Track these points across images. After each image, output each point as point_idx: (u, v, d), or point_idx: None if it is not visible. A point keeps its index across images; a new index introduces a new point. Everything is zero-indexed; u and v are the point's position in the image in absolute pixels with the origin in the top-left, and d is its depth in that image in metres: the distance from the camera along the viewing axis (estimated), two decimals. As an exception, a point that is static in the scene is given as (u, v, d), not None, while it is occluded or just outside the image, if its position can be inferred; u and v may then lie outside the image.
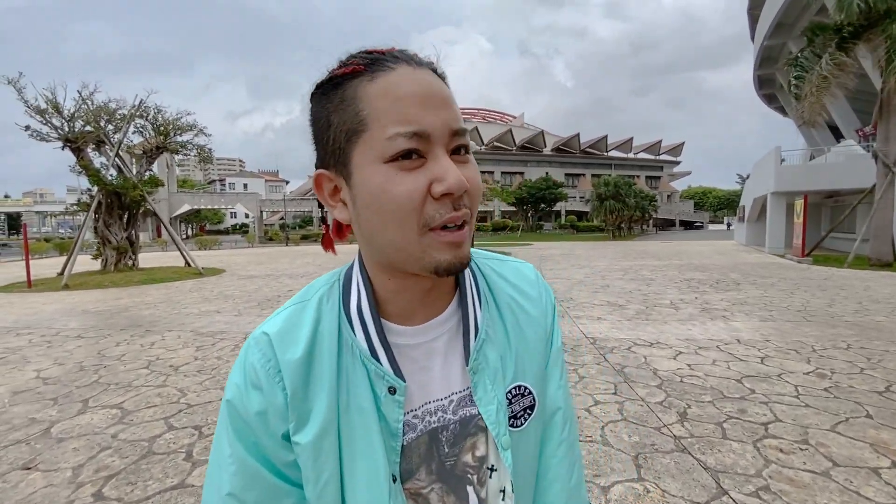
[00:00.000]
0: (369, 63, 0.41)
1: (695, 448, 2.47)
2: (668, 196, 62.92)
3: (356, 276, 0.50)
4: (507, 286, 0.55)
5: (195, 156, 14.65)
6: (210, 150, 14.47)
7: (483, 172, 43.38)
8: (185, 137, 14.09)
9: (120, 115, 12.76)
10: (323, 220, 0.52)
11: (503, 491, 0.50)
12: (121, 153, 12.82)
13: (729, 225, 34.04)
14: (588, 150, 59.96)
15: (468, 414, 0.49)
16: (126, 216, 12.83)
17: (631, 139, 62.34)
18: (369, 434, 0.45)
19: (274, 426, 0.45)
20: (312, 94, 0.46)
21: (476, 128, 54.98)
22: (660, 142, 63.63)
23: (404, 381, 0.45)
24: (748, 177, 23.98)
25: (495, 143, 55.75)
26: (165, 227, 14.13)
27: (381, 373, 0.45)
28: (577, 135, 58.59)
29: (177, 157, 17.76)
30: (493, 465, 0.50)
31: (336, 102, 0.42)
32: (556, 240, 32.03)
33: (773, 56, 28.45)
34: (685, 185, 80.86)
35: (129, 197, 12.22)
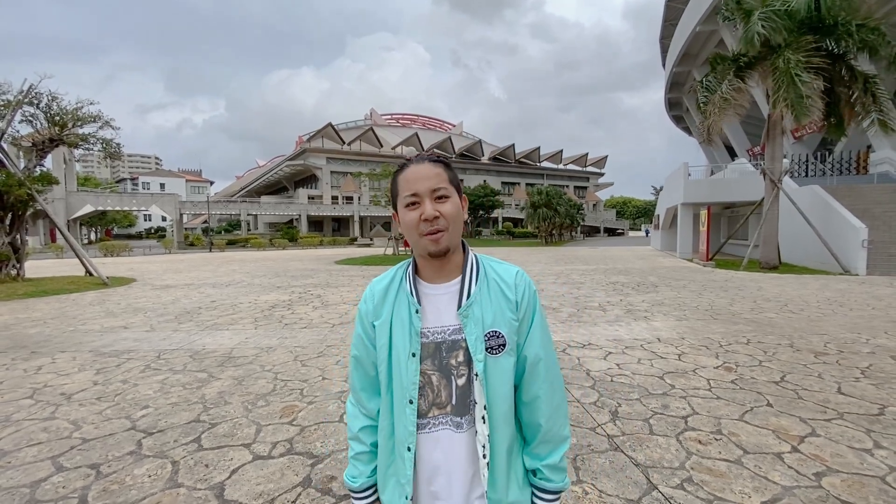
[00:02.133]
0: (402, 166, 0.93)
1: (626, 446, 2.58)
2: (594, 205, 67.43)
3: (412, 259, 1.00)
4: (495, 275, 0.97)
5: (100, 151, 13.03)
6: (118, 144, 12.95)
7: (422, 178, 43.34)
8: (87, 130, 12.50)
9: (3, 100, 11.01)
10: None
11: (479, 392, 0.91)
12: (3, 145, 11.04)
13: (647, 232, 37.20)
14: (522, 160, 62.55)
15: (456, 338, 0.93)
16: (9, 218, 11.05)
17: (561, 151, 66.08)
18: (405, 330, 0.93)
19: (370, 318, 0.98)
20: (391, 178, 0.99)
21: (416, 134, 55.06)
22: (586, 155, 68.13)
23: (420, 306, 0.93)
24: (661, 189, 26.41)
25: (435, 150, 56.20)
26: (60, 230, 12.37)
27: (412, 302, 0.93)
28: (513, 145, 60.95)
29: (77, 152, 15.66)
30: (477, 373, 0.91)
31: (393, 182, 0.95)
32: (493, 245, 32.91)
33: (680, 82, 31.75)
34: (608, 196, 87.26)
35: (13, 196, 10.55)
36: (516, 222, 53.32)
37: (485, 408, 0.91)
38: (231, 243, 36.51)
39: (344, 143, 51.42)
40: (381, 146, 53.71)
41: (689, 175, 18.79)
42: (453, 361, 0.93)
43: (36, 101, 11.54)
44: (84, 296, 9.12)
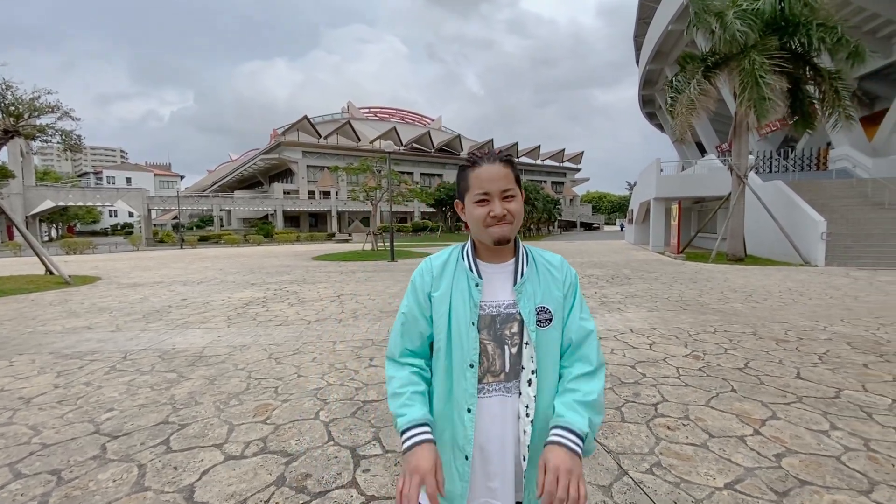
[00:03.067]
0: (473, 162, 1.03)
1: (599, 433, 2.65)
2: (571, 200, 68.54)
3: (469, 241, 1.11)
4: (543, 261, 1.11)
5: (59, 143, 12.37)
6: (79, 136, 12.30)
7: (402, 173, 43.17)
8: (45, 120, 11.83)
9: (-51, 88, 10.30)
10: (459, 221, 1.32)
11: (532, 357, 1.03)
12: (-50, 136, 10.36)
13: (622, 226, 38.08)
14: (500, 154, 62.83)
15: (511, 311, 1.04)
16: (-41, 214, 10.40)
17: (538, 147, 66.75)
18: (465, 301, 1.04)
19: (426, 289, 1.09)
20: (459, 169, 1.08)
21: (395, 128, 54.53)
22: (563, 150, 69.05)
23: (482, 280, 1.05)
24: (635, 184, 27.05)
25: (414, 145, 55.88)
26: (17, 227, 11.72)
27: (472, 276, 1.05)
28: (491, 140, 61.12)
29: (34, 145, 14.84)
30: (527, 342, 1.03)
31: (462, 176, 1.05)
32: (471, 240, 33.00)
33: (653, 79, 32.49)
34: (584, 191, 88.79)
35: (-36, 190, 9.91)
36: (495, 217, 53.53)
37: (533, 372, 1.02)
38: (203, 239, 35.44)
39: (320, 136, 50.48)
40: (359, 140, 52.98)
41: (662, 171, 19.30)
42: (507, 332, 1.04)
43: (-13, 90, 10.84)
44: (44, 295, 8.69)
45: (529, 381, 1.02)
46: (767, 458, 2.33)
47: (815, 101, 12.31)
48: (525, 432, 1.01)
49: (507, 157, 1.02)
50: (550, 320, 1.04)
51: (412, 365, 1.08)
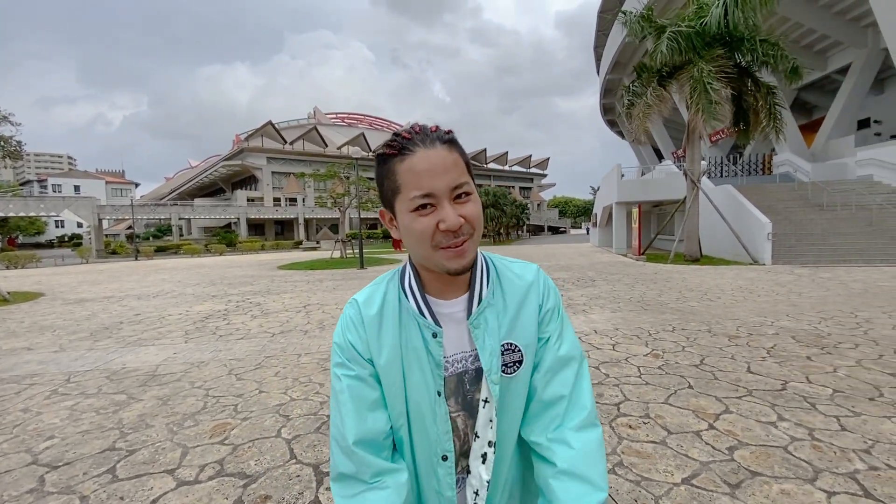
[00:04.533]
0: (400, 148, 0.66)
1: (564, 436, 2.68)
2: (538, 205, 70.00)
3: (408, 268, 0.77)
4: (511, 275, 0.79)
5: (-5, 150, 11.52)
6: (19, 143, 11.52)
7: (370, 179, 42.83)
8: (-21, 126, 11.00)
9: None
10: (386, 233, 1.11)
11: (491, 420, 0.73)
12: None
13: (588, 230, 39.23)
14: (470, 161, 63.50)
15: (480, 365, 0.73)
16: None
17: (506, 153, 67.91)
18: (422, 364, 0.72)
19: (362, 351, 0.73)
20: (376, 161, 0.70)
21: (363, 134, 54.05)
22: (530, 157, 70.58)
23: (441, 328, 0.72)
24: (599, 189, 27.97)
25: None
26: (-54, 241, 10.76)
27: (426, 324, 0.72)
28: (459, 146, 61.69)
29: (-34, 151, 13.79)
30: (486, 398, 0.73)
31: (385, 172, 0.68)
32: (441, 246, 33.07)
33: (613, 88, 33.76)
34: (551, 196, 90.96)
35: None
36: (464, 222, 53.93)
37: (490, 444, 0.72)
38: (161, 250, 33.79)
39: (286, 142, 49.38)
40: (326, 146, 52.19)
41: (623, 176, 20.05)
42: (479, 395, 0.74)
43: None
44: (-23, 315, 7.99)
45: (483, 457, 0.73)
46: (721, 452, 2.43)
47: (754, 113, 13.15)
48: None
49: (450, 136, 0.68)
50: (521, 362, 0.74)
51: (376, 482, 0.70)
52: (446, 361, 0.73)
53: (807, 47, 21.14)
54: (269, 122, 47.74)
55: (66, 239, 60.29)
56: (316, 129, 51.91)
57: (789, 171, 20.84)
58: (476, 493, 0.73)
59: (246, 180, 53.34)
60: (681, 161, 22.46)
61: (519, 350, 0.74)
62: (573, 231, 68.17)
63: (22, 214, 35.87)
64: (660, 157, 32.94)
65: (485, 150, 64.40)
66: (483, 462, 0.73)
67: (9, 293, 10.12)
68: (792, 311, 6.20)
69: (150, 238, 51.96)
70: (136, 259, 29.00)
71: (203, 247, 33.79)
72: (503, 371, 0.72)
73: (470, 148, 63.80)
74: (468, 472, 0.75)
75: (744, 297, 7.49)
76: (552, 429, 0.73)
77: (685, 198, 14.44)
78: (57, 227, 63.05)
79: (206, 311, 7.67)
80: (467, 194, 0.67)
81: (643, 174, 22.75)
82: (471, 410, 0.75)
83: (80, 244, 44.14)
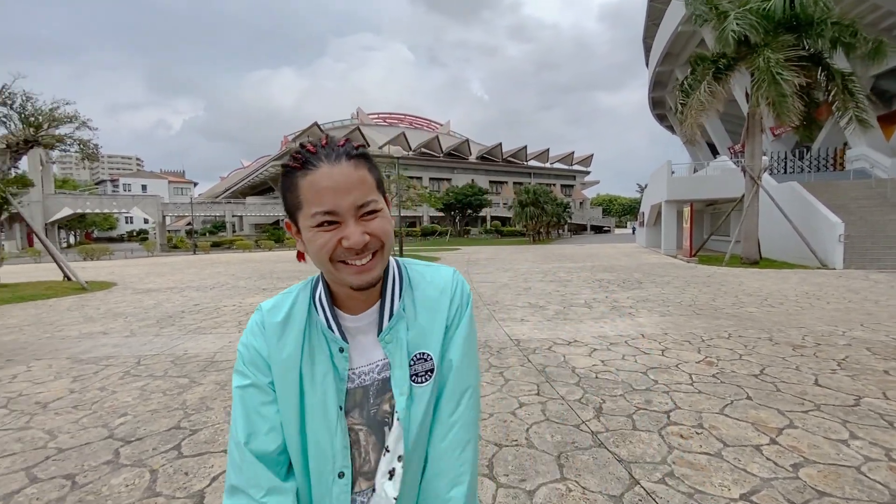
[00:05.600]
0: (303, 162, 0.64)
1: (610, 442, 2.61)
2: (581, 203, 68.10)
3: (321, 280, 0.75)
4: (423, 282, 0.77)
5: (77, 152, 12.69)
6: (96, 145, 12.61)
7: (411, 178, 43.37)
8: (64, 130, 12.15)
9: (-28, 101, 10.64)
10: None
11: (400, 436, 0.70)
12: (-26, 147, 10.69)
13: (634, 229, 37.71)
14: (510, 158, 62.81)
15: (387, 376, 0.71)
16: (-19, 222, 10.71)
17: (547, 150, 66.55)
18: (326, 377, 0.70)
19: (267, 354, 0.71)
20: (281, 172, 0.67)
21: (403, 133, 54.87)
22: (572, 153, 68.74)
23: (348, 343, 0.71)
24: (646, 186, 26.80)
25: (423, 150, 56.10)
26: (37, 234, 12.03)
27: (334, 338, 0.71)
28: (500, 144, 61.16)
29: (54, 154, 15.26)
30: (398, 411, 0.70)
31: (287, 185, 0.66)
32: (482, 244, 33.00)
33: (663, 81, 32.21)
34: (594, 194, 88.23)
35: (-14, 199, 10.22)
36: (504, 221, 53.51)
37: (399, 458, 0.69)
38: (216, 245, 35.95)
39: (330, 142, 50.95)
40: (368, 145, 52.95)
41: (673, 172, 19.09)
42: (386, 407, 0.71)
43: (9, 102, 11.17)
44: (62, 301, 8.89)
45: (391, 473, 0.69)
46: (784, 469, 2.27)
47: (826, 104, 12.08)
48: None
49: (357, 151, 0.66)
50: (432, 371, 0.71)
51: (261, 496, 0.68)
52: (353, 373, 0.71)
53: (885, 31, 19.15)
54: (315, 123, 49.48)
55: (135, 234, 65.61)
56: (359, 129, 53.28)
57: (865, 166, 18.99)
58: None
59: (293, 179, 55.58)
60: (738, 156, 21.07)
61: (431, 359, 0.72)
62: (618, 230, 65.78)
63: (97, 211, 39.43)
64: (714, 152, 31.05)
65: (525, 147, 63.44)
66: (390, 478, 0.69)
67: (87, 282, 11.17)
68: (867, 320, 5.66)
69: (207, 234, 55.44)
70: (195, 253, 31.06)
71: (253, 242, 35.65)
72: (415, 380, 0.70)
73: (509, 145, 63.20)
74: (373, 490, 0.70)
75: (810, 303, 6.92)
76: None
77: (743, 196, 13.54)
78: (127, 222, 68.68)
79: (258, 303, 8.09)
80: (375, 211, 0.65)
81: (695, 171, 21.54)
82: (373, 425, 0.71)
83: (146, 239, 47.90)
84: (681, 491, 2.10)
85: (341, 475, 0.68)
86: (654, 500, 2.04)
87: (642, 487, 2.14)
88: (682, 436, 2.66)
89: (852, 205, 14.20)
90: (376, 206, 0.66)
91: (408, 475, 0.69)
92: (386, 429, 0.71)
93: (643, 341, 4.88)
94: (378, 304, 0.73)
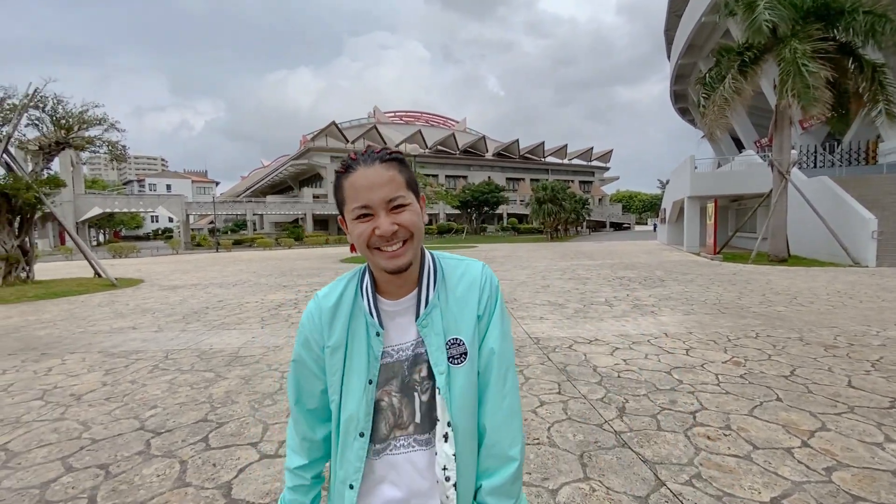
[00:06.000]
0: (347, 167, 0.79)
1: (634, 442, 2.57)
2: (600, 200, 67.06)
3: (367, 269, 0.89)
4: (455, 275, 0.89)
5: (105, 153, 13.13)
6: (124, 147, 13.03)
7: (427, 175, 43.43)
8: (93, 132, 12.59)
9: (9, 105, 11.11)
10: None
11: (445, 407, 0.82)
12: (10, 149, 11.17)
13: (655, 226, 36.93)
14: (527, 155, 62.27)
15: (419, 352, 0.85)
16: (18, 221, 11.19)
17: (565, 146, 65.69)
18: (362, 355, 0.84)
19: (319, 338, 0.87)
20: (334, 178, 0.83)
21: (420, 131, 54.97)
22: (591, 149, 67.69)
23: (383, 329, 0.84)
24: (668, 182, 26.19)
25: (439, 147, 56.13)
26: (69, 233, 12.51)
27: (373, 323, 0.84)
28: (517, 141, 60.67)
29: (83, 155, 15.82)
30: (439, 387, 0.83)
31: (336, 186, 0.81)
32: (499, 241, 32.84)
33: (686, 74, 31.39)
34: (614, 190, 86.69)
35: (21, 199, 10.66)
36: (521, 218, 53.13)
37: (448, 425, 0.82)
38: (237, 243, 36.74)
39: (348, 141, 51.50)
40: (385, 143, 53.59)
41: (696, 168, 18.60)
42: (416, 377, 0.85)
43: (41, 105, 11.64)
44: (93, 297, 9.23)
45: (445, 436, 0.82)
46: (817, 472, 2.19)
47: (855, 96, 11.57)
48: (448, 497, 0.82)
49: (390, 156, 0.79)
50: (466, 354, 0.84)
51: (308, 446, 0.92)
52: (391, 349, 0.85)
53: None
54: (333, 123, 50.04)
55: (160, 232, 67.61)
56: (376, 127, 53.62)
57: (901, 160, 18.13)
58: (445, 469, 0.82)
59: (312, 178, 56.42)
60: (765, 150, 20.40)
61: (463, 344, 0.84)
62: (638, 227, 64.55)
63: (125, 210, 40.78)
64: (739, 146, 30.12)
65: (542, 143, 62.79)
66: (445, 441, 0.83)
67: (116, 279, 11.57)
68: (904, 320, 5.42)
69: (228, 232, 56.71)
70: (217, 251, 31.80)
71: (274, 240, 36.31)
72: (451, 362, 0.83)
73: (526, 141, 62.63)
74: (408, 437, 0.86)
75: (842, 302, 6.67)
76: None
77: (770, 191, 13.10)
78: (152, 221, 70.85)
79: (279, 299, 8.25)
80: (403, 205, 0.78)
81: (719, 166, 20.93)
82: (407, 392, 0.85)
83: (171, 237, 49.32)
84: (709, 493, 2.06)
85: (361, 435, 0.84)
86: (680, 502, 2.00)
87: (668, 489, 2.10)
88: (709, 437, 2.59)
89: (886, 199, 13.59)
90: (404, 200, 0.78)
91: (460, 437, 0.83)
92: (416, 394, 0.85)
93: (666, 340, 4.78)
94: (415, 291, 0.86)
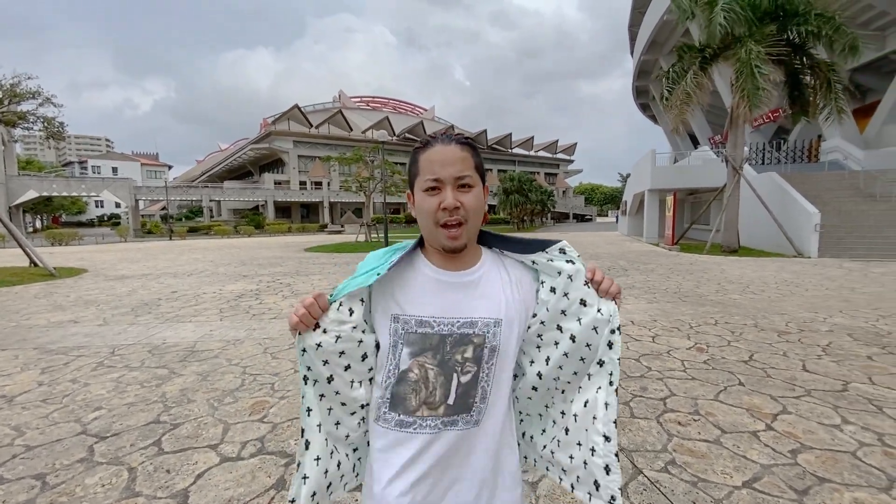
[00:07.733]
0: (426, 143, 0.86)
1: (609, 430, 2.57)
2: (564, 192, 68.58)
3: (420, 243, 0.94)
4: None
5: (41, 130, 11.97)
6: (61, 124, 11.95)
7: (396, 164, 42.88)
8: (26, 107, 11.44)
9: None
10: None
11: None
12: (-75, 122, 9.95)
13: (617, 218, 38.25)
14: (494, 146, 62.54)
15: (466, 332, 0.85)
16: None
17: (532, 138, 66.50)
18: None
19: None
20: (412, 153, 0.90)
21: (387, 118, 53.87)
22: (556, 142, 68.93)
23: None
24: (628, 176, 27.06)
25: (407, 135, 55.32)
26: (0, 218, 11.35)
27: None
28: (485, 131, 60.75)
29: (16, 132, 14.38)
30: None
31: (412, 160, 0.89)
32: (465, 232, 32.86)
33: (648, 70, 32.32)
34: (577, 182, 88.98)
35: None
36: (490, 208, 53.41)
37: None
38: (193, 230, 34.91)
39: (311, 125, 49.75)
40: (351, 129, 52.33)
41: (656, 162, 19.28)
42: (459, 357, 0.86)
43: (-38, 75, 10.42)
44: (28, 288, 8.43)
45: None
46: (783, 455, 2.27)
47: (812, 92, 12.29)
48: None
49: (466, 140, 0.86)
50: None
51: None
52: (434, 320, 0.85)
53: (863, 25, 19.53)
54: (296, 106, 48.12)
55: (106, 218, 63.10)
56: (341, 112, 52.06)
57: (839, 158, 19.55)
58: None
59: (273, 163, 54.24)
60: (719, 147, 21.41)
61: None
62: (599, 219, 66.65)
63: (65, 194, 37.63)
64: (695, 143, 31.52)
65: (510, 134, 63.27)
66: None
67: (55, 269, 10.64)
68: (846, 307, 5.82)
69: (183, 219, 53.77)
70: (171, 239, 30.08)
71: (233, 228, 34.75)
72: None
73: (493, 132, 62.86)
74: (465, 425, 0.87)
75: (790, 290, 7.09)
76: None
77: (724, 185, 13.77)
78: (97, 206, 65.97)
79: (239, 290, 7.84)
80: (469, 186, 0.83)
81: (676, 161, 21.80)
82: (445, 369, 0.86)
83: (118, 223, 46.15)
84: (684, 480, 2.08)
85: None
86: (658, 489, 2.01)
87: (646, 477, 2.10)
88: (680, 423, 2.64)
89: (827, 195, 14.62)
90: (471, 181, 0.84)
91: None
92: (456, 374, 0.86)
93: (633, 328, 4.89)
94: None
